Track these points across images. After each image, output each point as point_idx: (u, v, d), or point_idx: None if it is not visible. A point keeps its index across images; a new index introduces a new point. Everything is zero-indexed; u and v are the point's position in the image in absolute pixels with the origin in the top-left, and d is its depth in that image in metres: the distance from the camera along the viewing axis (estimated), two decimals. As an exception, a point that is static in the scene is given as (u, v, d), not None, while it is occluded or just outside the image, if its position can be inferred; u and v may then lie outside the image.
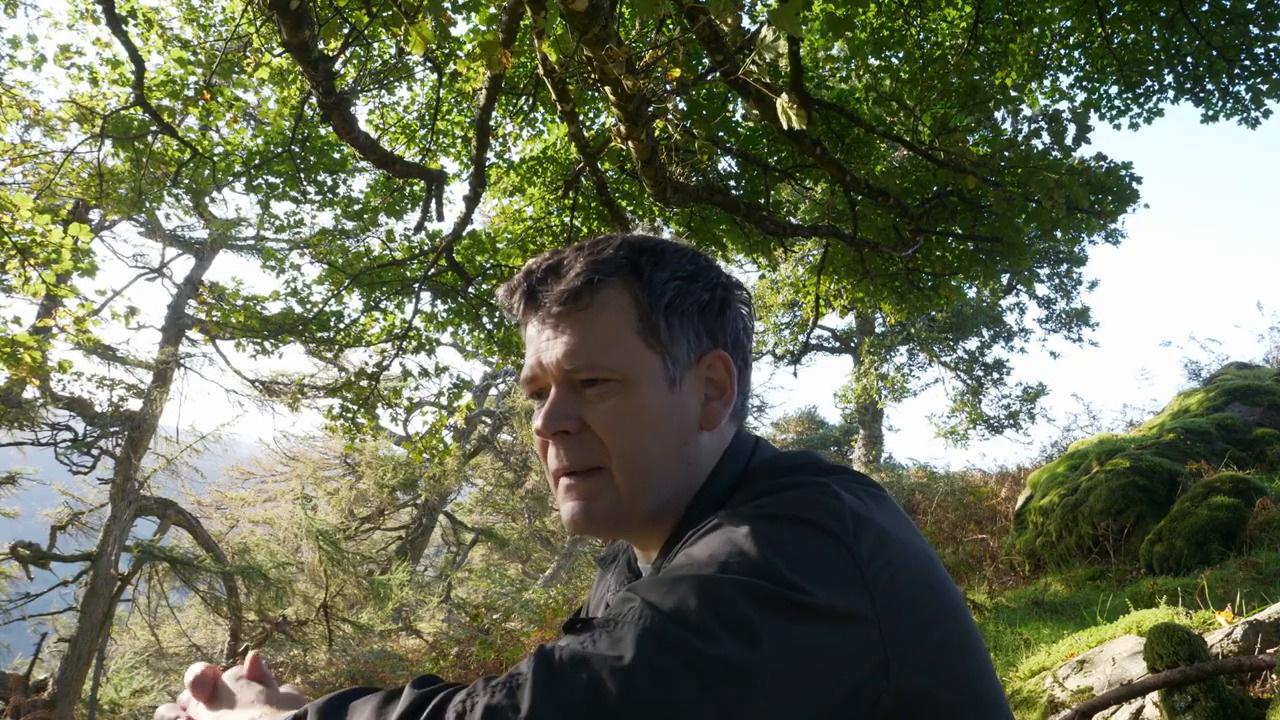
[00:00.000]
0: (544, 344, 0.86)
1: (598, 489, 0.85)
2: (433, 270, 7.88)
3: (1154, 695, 3.14)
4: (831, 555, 0.70)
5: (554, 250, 0.90)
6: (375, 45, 7.75)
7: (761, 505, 0.76)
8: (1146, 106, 7.61)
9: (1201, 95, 7.28)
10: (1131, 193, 7.17)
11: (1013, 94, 7.33)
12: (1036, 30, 7.27)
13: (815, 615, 0.67)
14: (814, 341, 19.74)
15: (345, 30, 5.28)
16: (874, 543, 0.72)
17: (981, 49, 7.13)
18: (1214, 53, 6.75)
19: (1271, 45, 6.78)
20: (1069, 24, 7.35)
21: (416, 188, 8.84)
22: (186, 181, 9.79)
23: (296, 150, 8.02)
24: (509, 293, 0.90)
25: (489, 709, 0.63)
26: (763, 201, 7.19)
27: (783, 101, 3.49)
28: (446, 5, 6.32)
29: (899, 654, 0.69)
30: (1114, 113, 7.78)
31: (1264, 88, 6.91)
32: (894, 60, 7.39)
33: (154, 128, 7.44)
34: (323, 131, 8.10)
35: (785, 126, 3.49)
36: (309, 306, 8.88)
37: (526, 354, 0.89)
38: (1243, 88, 7.06)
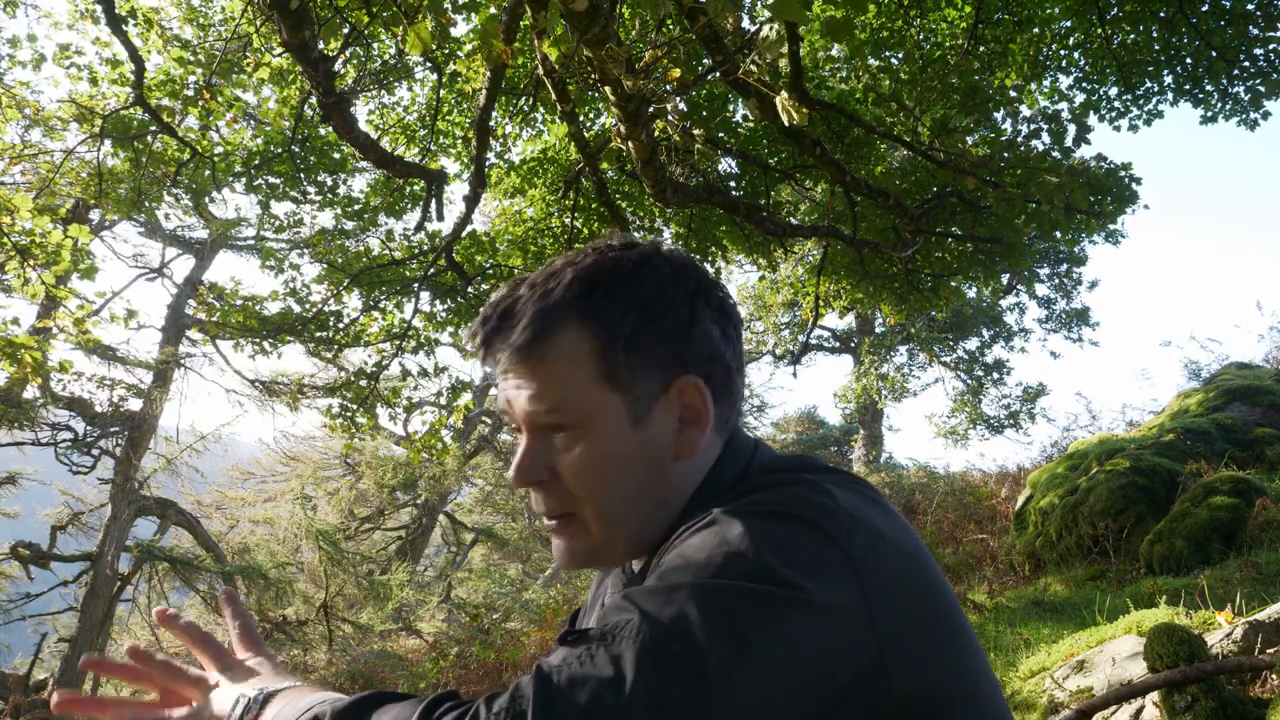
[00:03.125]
0: (509, 389, 0.86)
1: (574, 533, 0.86)
2: (432, 270, 7.88)
3: (1154, 695, 3.14)
4: (825, 553, 0.70)
5: (512, 284, 0.88)
6: (375, 45, 7.75)
7: (755, 502, 0.76)
8: (1146, 108, 7.62)
9: (1201, 96, 7.29)
10: (1131, 193, 7.17)
11: (1012, 95, 7.33)
12: (1036, 31, 7.28)
13: (811, 614, 0.67)
14: (814, 341, 19.76)
15: (345, 30, 5.28)
16: (867, 541, 0.72)
17: (981, 49, 7.14)
18: (1214, 53, 6.76)
19: (1271, 46, 6.78)
20: (1069, 24, 7.35)
21: (416, 188, 8.84)
22: (186, 181, 9.79)
23: (296, 150, 8.02)
24: (470, 338, 0.90)
25: None
26: (763, 202, 7.19)
27: (783, 98, 3.49)
28: (446, 5, 6.32)
29: (895, 651, 0.69)
30: (1113, 114, 7.78)
31: (1263, 89, 6.91)
32: (894, 61, 7.40)
33: (154, 128, 7.44)
34: (323, 131, 8.10)
35: (786, 123, 3.49)
36: (308, 306, 8.88)
37: (497, 390, 0.89)
38: (1242, 89, 7.07)
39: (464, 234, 7.60)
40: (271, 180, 8.32)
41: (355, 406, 8.66)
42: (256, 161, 8.08)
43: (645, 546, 0.86)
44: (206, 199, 11.78)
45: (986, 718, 0.75)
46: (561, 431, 0.84)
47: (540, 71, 4.43)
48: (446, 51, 6.72)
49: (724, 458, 0.89)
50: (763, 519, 0.72)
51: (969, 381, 18.53)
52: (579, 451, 0.83)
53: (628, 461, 0.84)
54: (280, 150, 8.00)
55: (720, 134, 7.18)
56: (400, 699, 0.75)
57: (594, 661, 0.65)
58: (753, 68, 3.89)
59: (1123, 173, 7.15)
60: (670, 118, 5.30)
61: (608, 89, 4.08)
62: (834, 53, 7.63)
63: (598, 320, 0.82)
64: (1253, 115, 7.19)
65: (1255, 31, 6.67)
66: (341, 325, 9.22)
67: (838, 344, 20.71)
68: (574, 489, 0.84)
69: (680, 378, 0.85)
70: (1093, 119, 7.73)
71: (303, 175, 8.32)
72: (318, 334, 9.75)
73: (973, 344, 18.67)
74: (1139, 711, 3.21)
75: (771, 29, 3.11)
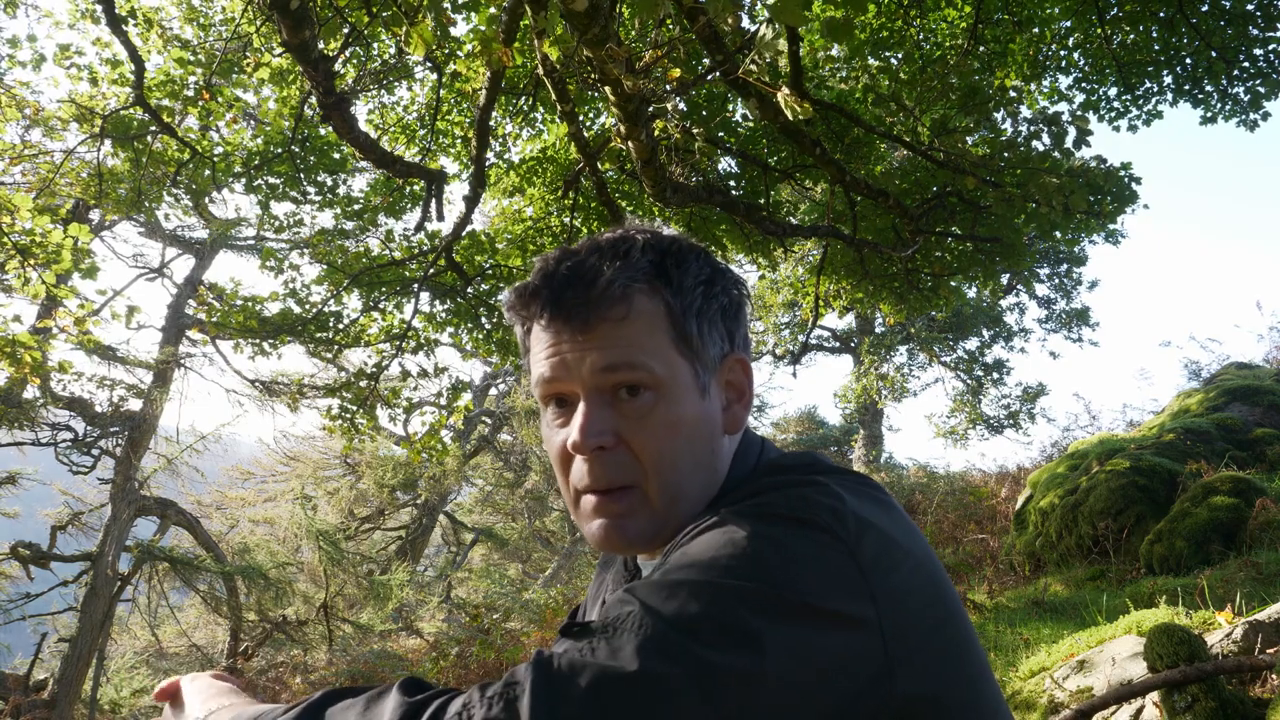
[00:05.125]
0: (571, 349, 0.81)
1: (630, 507, 0.82)
2: (432, 270, 7.88)
3: (1154, 695, 3.14)
4: (833, 558, 0.69)
5: (564, 250, 0.85)
6: (375, 45, 7.75)
7: (762, 504, 0.74)
8: (1145, 108, 7.62)
9: (1200, 96, 7.29)
10: (1131, 194, 7.17)
11: (1012, 95, 7.34)
12: (1036, 31, 7.28)
13: (817, 619, 0.66)
14: (814, 341, 19.76)
15: (345, 30, 5.28)
16: (876, 546, 0.71)
17: (981, 49, 7.14)
18: (1213, 54, 6.76)
19: (1271, 46, 6.78)
20: (1068, 24, 7.35)
21: (416, 188, 8.84)
22: (186, 181, 9.79)
23: (296, 150, 8.02)
24: (525, 297, 0.84)
25: None
26: (763, 201, 7.20)
27: (783, 94, 3.50)
28: (446, 5, 6.32)
29: (903, 659, 0.68)
30: (1113, 114, 7.79)
31: (1263, 89, 6.91)
32: (894, 61, 7.40)
33: (154, 128, 7.43)
34: (323, 131, 8.10)
35: (790, 117, 3.49)
36: (308, 307, 8.87)
37: (538, 354, 0.84)
38: (1241, 89, 7.07)
39: (464, 234, 7.60)
40: (271, 180, 8.32)
41: (355, 407, 8.65)
42: (256, 161, 8.08)
43: (683, 527, 0.83)
44: (206, 199, 11.78)
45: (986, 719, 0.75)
46: (636, 395, 0.81)
47: (540, 71, 4.43)
48: (446, 51, 6.72)
49: (738, 454, 0.89)
50: (772, 523, 0.71)
51: (969, 381, 18.53)
52: (657, 416, 0.81)
53: (696, 429, 0.83)
54: (280, 150, 8.00)
55: (720, 134, 7.18)
56: (354, 692, 0.72)
57: (594, 652, 0.64)
58: (752, 67, 3.89)
59: (1122, 173, 7.15)
60: (670, 118, 5.30)
61: (608, 89, 4.08)
62: (834, 53, 7.63)
63: (670, 286, 0.84)
64: (1252, 116, 7.19)
65: (1255, 31, 6.67)
66: (341, 326, 9.21)
67: (838, 344, 20.70)
68: (643, 454, 0.81)
69: (730, 355, 0.88)
70: (1092, 119, 7.73)
71: (303, 175, 8.32)
72: (318, 334, 9.74)
73: (973, 344, 18.69)
74: (1139, 711, 3.21)
75: (770, 25, 3.12)
